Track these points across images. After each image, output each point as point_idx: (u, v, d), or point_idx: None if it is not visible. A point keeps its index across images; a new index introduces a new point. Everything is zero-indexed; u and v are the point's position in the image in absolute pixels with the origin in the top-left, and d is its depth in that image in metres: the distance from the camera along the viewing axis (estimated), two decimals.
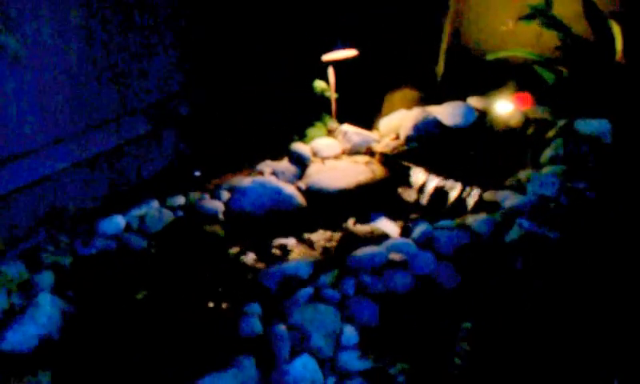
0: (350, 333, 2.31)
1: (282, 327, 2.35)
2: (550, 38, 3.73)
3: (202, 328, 2.55)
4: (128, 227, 3.19)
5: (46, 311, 2.54)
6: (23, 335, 2.44)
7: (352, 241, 2.89)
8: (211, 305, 2.71)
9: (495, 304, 2.26)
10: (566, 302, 2.18)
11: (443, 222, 2.80)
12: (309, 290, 2.53)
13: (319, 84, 3.92)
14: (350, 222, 3.17)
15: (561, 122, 3.28)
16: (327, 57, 3.70)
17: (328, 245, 3.05)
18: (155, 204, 3.36)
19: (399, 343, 2.23)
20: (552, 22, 3.72)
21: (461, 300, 2.39)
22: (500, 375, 2.02)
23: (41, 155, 2.87)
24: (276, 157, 3.70)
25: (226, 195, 3.42)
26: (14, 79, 2.64)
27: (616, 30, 3.60)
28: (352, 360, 2.19)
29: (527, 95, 3.73)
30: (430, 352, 2.17)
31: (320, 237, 3.14)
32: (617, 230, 2.37)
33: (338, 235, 3.11)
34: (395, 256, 2.61)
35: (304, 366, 2.13)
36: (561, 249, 2.35)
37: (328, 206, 3.32)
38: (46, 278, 2.75)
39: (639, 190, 2.54)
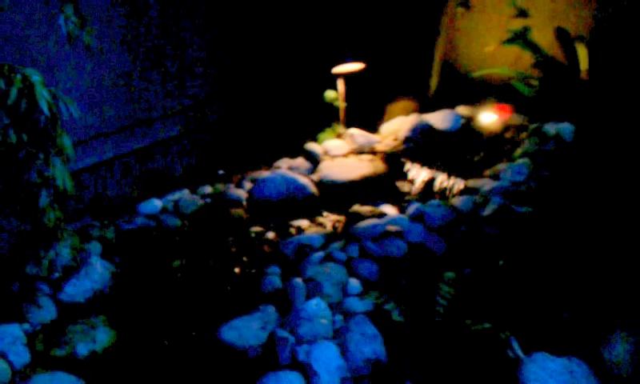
0: (354, 284, 2.62)
1: (299, 280, 2.66)
2: (527, 59, 4.09)
3: (231, 286, 2.86)
4: (164, 209, 3.51)
5: (97, 271, 2.85)
6: (79, 288, 2.75)
7: (357, 218, 3.21)
8: (237, 270, 3.02)
9: (472, 259, 2.58)
10: (527, 256, 2.49)
11: (432, 202, 3.12)
12: (320, 254, 2.85)
13: (330, 94, 4.27)
14: (356, 206, 3.49)
15: (533, 126, 3.62)
16: (337, 70, 4.06)
17: (336, 225, 3.36)
18: (187, 192, 3.68)
19: (395, 291, 2.55)
20: (529, 45, 4.08)
21: (446, 259, 2.71)
22: (474, 309, 2.33)
23: (93, 145, 3.21)
24: (292, 155, 4.03)
25: (248, 185, 3.74)
26: (88, 74, 2.95)
27: (582, 52, 3.95)
28: (356, 303, 2.50)
29: (507, 106, 4.07)
30: (420, 295, 2.48)
31: (330, 219, 3.45)
32: (570, 203, 2.69)
33: (345, 218, 3.42)
34: (392, 228, 2.93)
35: (316, 305, 2.44)
36: (525, 218, 2.68)
37: (337, 195, 3.64)
38: (95, 247, 3.07)
39: (590, 174, 2.86)
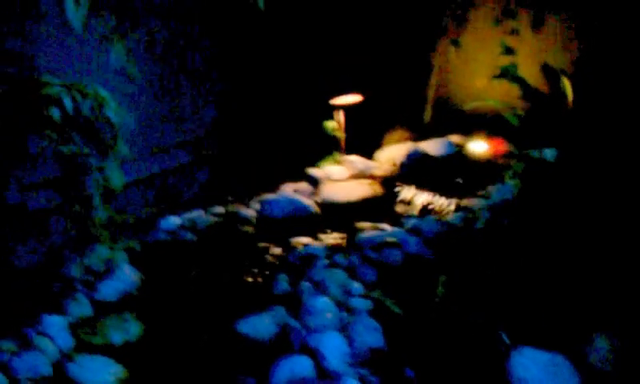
0: (356, 287, 3.05)
1: (307, 283, 3.09)
2: (515, 92, 4.59)
3: (243, 290, 3.28)
4: (181, 226, 3.94)
5: (127, 275, 3.27)
6: (112, 289, 3.16)
7: (358, 231, 3.66)
8: (249, 278, 3.45)
9: (463, 266, 3.02)
10: (514, 263, 2.94)
11: (428, 217, 3.57)
12: (325, 262, 3.28)
13: (330, 124, 4.75)
14: (357, 224, 3.93)
15: (520, 152, 4.10)
16: (337, 101, 4.56)
17: (338, 241, 3.79)
18: (201, 212, 4.12)
19: (393, 291, 2.98)
20: (517, 80, 4.59)
21: (439, 266, 3.15)
22: (466, 307, 2.76)
23: (124, 167, 3.66)
24: (295, 180, 4.49)
25: (256, 206, 4.19)
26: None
27: (567, 84, 4.45)
28: (358, 302, 2.92)
29: (496, 137, 4.57)
30: (416, 294, 2.91)
31: (332, 236, 3.88)
32: (552, 214, 3.15)
33: (346, 234, 3.85)
34: (390, 239, 3.38)
35: (323, 302, 2.86)
36: (509, 229, 3.13)
37: (338, 214, 4.08)
38: (123, 255, 3.49)
39: (569, 188, 3.32)
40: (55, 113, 2.05)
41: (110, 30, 2.67)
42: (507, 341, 2.56)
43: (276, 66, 4.57)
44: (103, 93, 2.21)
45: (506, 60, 4.67)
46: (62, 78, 2.47)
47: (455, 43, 4.96)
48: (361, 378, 2.40)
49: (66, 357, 2.61)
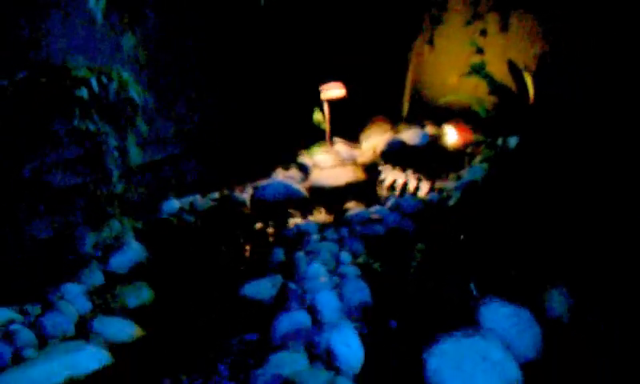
0: (345, 255, 3.29)
1: (301, 253, 3.33)
2: (484, 87, 4.88)
3: (243, 262, 3.51)
4: (181, 208, 4.14)
5: (135, 249, 3.48)
6: (122, 261, 3.36)
7: (345, 211, 3.91)
8: (246, 252, 3.68)
9: (438, 236, 3.29)
10: (478, 231, 3.21)
11: (406, 197, 3.84)
12: (316, 236, 3.53)
13: (317, 116, 5.00)
14: (344, 204, 4.18)
15: (488, 140, 4.39)
16: (323, 95, 4.81)
17: (327, 219, 4.04)
18: (199, 196, 4.34)
19: (378, 258, 3.23)
20: (485, 77, 4.88)
21: (417, 237, 3.41)
22: (440, 267, 3.03)
23: None
24: (285, 168, 4.73)
25: (250, 190, 4.42)
26: None
27: (529, 80, 4.75)
28: (347, 268, 3.16)
29: (467, 127, 4.85)
30: (398, 259, 3.17)
31: (320, 216, 4.13)
32: (512, 190, 3.43)
33: (333, 214, 4.10)
34: (374, 215, 3.64)
35: (317, 269, 3.11)
36: (477, 203, 3.41)
37: (325, 197, 4.33)
38: (130, 232, 3.69)
39: (526, 170, 3.60)
40: (84, 92, 2.26)
41: (122, 21, 2.89)
42: (476, 293, 2.83)
43: (269, 62, 4.80)
44: (126, 75, 2.43)
45: (475, 58, 4.96)
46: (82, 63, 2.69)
47: (430, 43, 5.25)
48: (352, 328, 2.65)
49: (85, 318, 2.82)
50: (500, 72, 4.79)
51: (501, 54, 4.75)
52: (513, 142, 4.29)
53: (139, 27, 3.17)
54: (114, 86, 2.34)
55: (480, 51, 5.02)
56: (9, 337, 2.51)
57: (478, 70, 4.90)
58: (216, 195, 4.36)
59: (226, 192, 4.42)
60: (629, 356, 2.55)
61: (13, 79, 2.49)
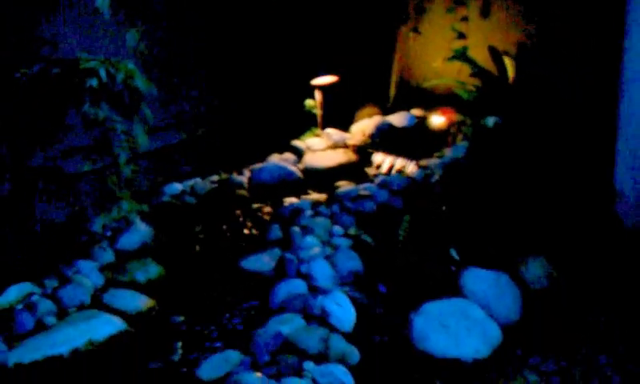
0: (337, 229, 3.49)
1: (296, 228, 3.52)
2: (467, 71, 5.04)
3: (242, 238, 3.70)
4: (183, 191, 4.31)
5: (142, 229, 3.65)
6: (130, 240, 3.54)
7: (336, 189, 4.10)
8: (245, 230, 3.86)
9: (423, 209, 3.49)
10: (460, 204, 3.42)
11: (394, 175, 4.03)
12: (310, 212, 3.72)
13: (309, 102, 5.18)
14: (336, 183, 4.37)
15: (470, 121, 4.58)
16: (314, 82, 4.99)
17: (321, 198, 4.21)
18: (199, 179, 4.50)
19: (368, 230, 3.43)
20: (468, 61, 5.05)
21: (404, 211, 3.61)
22: (424, 238, 3.23)
23: None
24: (280, 152, 4.90)
25: (247, 173, 4.59)
26: None
27: (509, 63, 4.93)
28: (340, 240, 3.36)
29: (451, 109, 5.03)
30: (386, 231, 3.37)
31: (314, 195, 4.31)
32: (492, 167, 3.63)
33: (326, 194, 4.27)
34: (364, 192, 3.83)
35: (312, 241, 3.30)
36: (459, 179, 3.61)
37: (318, 178, 4.51)
38: (136, 214, 3.85)
39: (504, 147, 3.79)
40: (94, 82, 2.44)
41: (126, 17, 3.06)
42: (457, 257, 3.02)
43: (264, 55, 4.97)
44: (131, 66, 2.60)
45: (458, 44, 5.12)
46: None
47: (415, 30, 5.42)
48: (344, 293, 2.85)
49: (99, 290, 3.01)
50: (482, 57, 4.95)
51: (482, 40, 4.91)
52: (491, 121, 4.47)
53: (142, 24, 3.34)
54: (121, 76, 2.51)
55: (462, 37, 5.18)
56: (31, 306, 2.70)
57: (461, 55, 5.06)
58: (215, 178, 4.53)
59: (224, 175, 4.59)
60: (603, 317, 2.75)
61: (26, 71, 2.66)
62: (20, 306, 2.68)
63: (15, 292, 2.76)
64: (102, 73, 2.45)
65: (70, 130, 2.89)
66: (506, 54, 4.92)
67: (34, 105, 2.67)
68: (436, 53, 5.27)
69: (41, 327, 2.64)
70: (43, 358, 2.43)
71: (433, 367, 2.50)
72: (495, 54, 4.94)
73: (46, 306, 2.72)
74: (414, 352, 2.59)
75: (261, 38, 4.91)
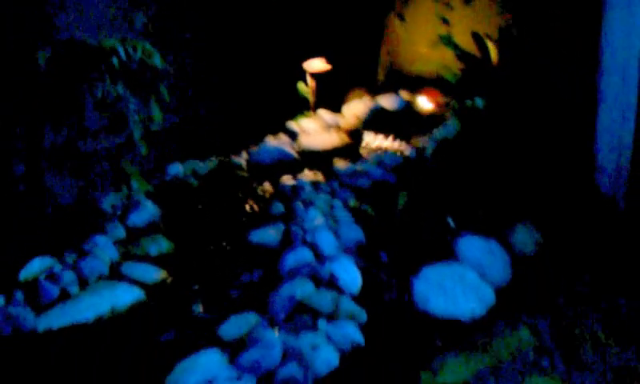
0: (337, 203, 3.63)
1: (299, 203, 3.65)
2: (451, 55, 5.20)
3: (245, 215, 3.81)
4: (185, 172, 4.40)
5: (149, 207, 3.74)
6: (139, 218, 3.62)
7: (333, 168, 4.23)
8: (250, 207, 3.98)
9: (416, 183, 3.64)
10: (453, 177, 3.57)
11: (388, 153, 4.18)
12: (311, 188, 3.86)
13: (302, 86, 5.29)
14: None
15: (456, 102, 4.74)
16: (306, 67, 5.10)
17: (319, 177, 4.33)
18: (199, 161, 4.59)
19: (367, 203, 3.58)
20: (452, 46, 5.20)
21: (399, 186, 3.76)
22: (420, 210, 3.38)
23: None
24: (275, 134, 5.01)
25: (245, 155, 4.69)
26: None
27: (491, 47, 5.09)
28: (341, 212, 3.50)
29: (437, 91, 5.19)
30: (384, 205, 3.52)
31: (312, 174, 4.41)
32: (479, 142, 3.79)
33: (324, 173, 4.38)
34: (360, 169, 3.98)
35: (314, 214, 3.43)
36: (451, 155, 3.77)
37: (314, 159, 4.63)
38: (142, 194, 3.94)
39: (493, 125, 3.96)
40: (114, 60, 2.53)
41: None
42: (453, 225, 3.18)
43: (259, 42, 5.06)
44: (148, 46, 2.69)
45: (443, 29, 5.27)
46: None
47: (401, 17, 5.56)
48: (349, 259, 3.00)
49: (116, 263, 3.11)
50: (465, 41, 5.11)
51: (466, 25, 5.07)
52: (478, 102, 4.64)
53: (149, 7, 3.42)
54: (139, 54, 2.60)
55: (446, 23, 5.32)
56: (54, 277, 2.79)
57: (446, 40, 5.22)
58: (215, 160, 4.63)
59: (223, 157, 4.69)
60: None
61: (44, 54, 2.74)
62: (43, 277, 2.77)
63: (38, 264, 2.85)
64: (121, 51, 2.54)
65: (84, 109, 2.97)
66: (489, 38, 5.08)
67: (51, 85, 2.74)
68: (421, 38, 5.43)
69: (65, 296, 2.73)
70: (70, 324, 2.54)
71: (433, 326, 2.66)
72: (478, 39, 5.10)
73: (68, 276, 2.82)
74: (416, 312, 2.74)
75: (254, 23, 5.01)
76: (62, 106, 2.86)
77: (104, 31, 3.15)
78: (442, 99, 5.09)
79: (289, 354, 2.27)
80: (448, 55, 5.23)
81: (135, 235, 3.49)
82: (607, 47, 3.21)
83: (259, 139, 4.92)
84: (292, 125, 5.04)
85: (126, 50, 2.58)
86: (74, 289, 2.77)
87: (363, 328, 2.56)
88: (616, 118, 3.15)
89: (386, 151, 4.51)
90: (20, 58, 2.72)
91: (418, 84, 5.29)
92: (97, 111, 2.85)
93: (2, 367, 2.32)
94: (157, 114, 2.71)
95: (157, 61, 2.61)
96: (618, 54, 3.07)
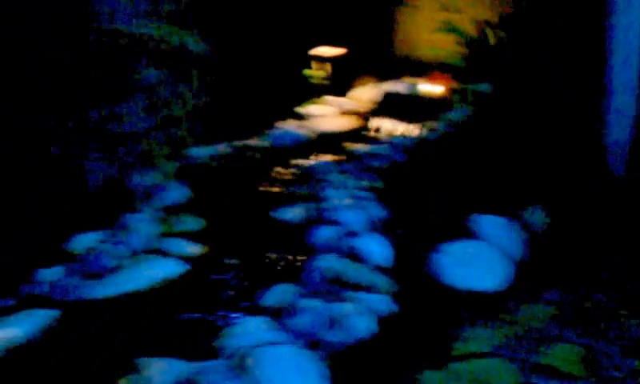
0: (358, 184, 3.76)
1: (320, 183, 3.79)
2: (458, 41, 5.31)
3: (271, 195, 3.93)
4: (206, 156, 4.50)
5: (179, 187, 3.84)
6: (171, 197, 3.71)
7: (349, 150, 4.37)
8: (272, 188, 4.10)
9: (431, 163, 3.79)
10: (467, 158, 3.72)
11: (401, 136, 4.32)
12: (331, 169, 3.99)
13: (311, 72, 5.40)
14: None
15: (462, 87, 4.88)
16: (316, 52, 5.21)
17: (335, 158, 4.45)
18: (218, 145, 4.67)
19: (384, 183, 3.72)
20: (456, 31, 5.32)
21: (415, 167, 3.91)
22: (436, 189, 3.53)
23: None
24: (288, 118, 5.12)
25: (262, 139, 4.78)
26: None
27: (489, 33, 5.19)
28: (361, 192, 3.64)
29: (444, 75, 5.33)
30: (401, 185, 3.66)
31: (328, 156, 4.52)
32: (488, 125, 3.94)
33: (340, 155, 4.50)
34: (376, 151, 4.12)
35: (337, 193, 3.57)
36: (465, 136, 3.92)
37: (327, 141, 4.75)
38: (170, 175, 4.03)
39: (501, 108, 4.11)
40: (151, 45, 2.62)
41: None
42: (472, 204, 3.32)
43: (268, 24, 5.15)
44: (182, 31, 2.78)
45: (448, 17, 5.38)
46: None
47: (407, 5, 5.68)
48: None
49: (155, 238, 3.23)
50: (469, 27, 5.24)
51: (470, 12, 5.18)
52: (483, 87, 4.78)
53: None
54: (176, 39, 2.69)
55: (449, 9, 5.43)
56: (103, 251, 2.92)
57: (451, 27, 5.34)
58: (233, 144, 4.73)
59: (240, 141, 4.79)
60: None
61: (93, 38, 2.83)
62: (93, 250, 2.89)
63: (86, 239, 2.97)
64: (160, 37, 2.63)
65: (122, 92, 3.07)
66: (492, 24, 5.21)
67: (92, 69, 2.84)
68: (427, 25, 5.55)
69: (116, 267, 2.85)
70: (124, 292, 2.67)
71: (458, 298, 2.81)
72: (482, 25, 5.23)
73: (116, 249, 2.94)
74: (440, 285, 2.89)
75: (267, 10, 5.09)
76: (100, 90, 2.96)
77: (139, 18, 3.24)
78: (448, 84, 5.22)
79: (332, 320, 2.41)
80: (454, 42, 5.36)
81: (168, 213, 3.60)
82: (615, 34, 3.34)
83: (274, 123, 5.02)
84: (305, 109, 5.16)
85: (163, 36, 2.67)
86: (123, 261, 2.89)
87: (394, 298, 2.71)
88: (628, 99, 3.30)
89: (397, 134, 4.65)
90: (62, 44, 2.80)
91: (424, 70, 5.42)
92: (133, 94, 2.94)
93: (70, 333, 2.45)
94: (189, 96, 2.81)
95: (192, 45, 2.70)
96: (630, 34, 3.19)
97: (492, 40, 5.10)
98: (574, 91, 3.85)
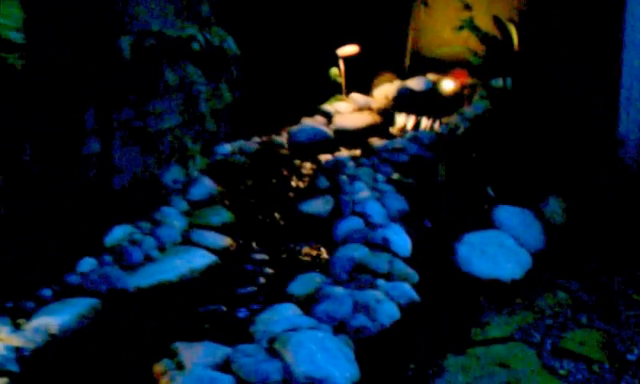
0: (380, 177, 3.84)
1: (343, 176, 3.86)
2: (474, 39, 5.36)
3: (295, 189, 4.03)
4: (232, 151, 4.62)
5: (206, 182, 3.96)
6: (199, 192, 3.80)
7: (370, 145, 4.44)
8: (296, 182, 4.19)
9: (453, 157, 3.85)
10: (486, 152, 3.77)
11: (421, 131, 4.38)
12: (352, 164, 4.06)
13: (334, 70, 5.48)
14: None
15: (481, 83, 4.92)
16: (338, 52, 5.28)
17: (357, 153, 4.53)
18: (244, 141, 4.80)
19: (407, 176, 3.79)
20: (475, 29, 5.36)
21: (436, 160, 3.97)
22: (459, 181, 3.58)
23: None
24: (311, 115, 5.21)
25: (285, 135, 4.90)
26: None
27: (512, 30, 5.23)
28: (384, 185, 3.71)
29: (461, 72, 5.36)
30: (423, 178, 3.72)
31: (350, 151, 4.62)
32: (508, 119, 3.98)
33: (361, 149, 4.58)
34: (397, 146, 4.18)
35: (360, 186, 3.64)
36: (484, 132, 3.96)
37: (348, 137, 4.84)
38: (198, 170, 4.14)
39: (517, 103, 4.14)
40: (196, 45, 2.73)
41: None
42: (492, 194, 3.38)
43: (292, 24, 5.24)
44: (221, 32, 2.89)
45: (465, 14, 5.41)
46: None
47: (425, 4, 5.72)
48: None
49: (185, 231, 3.34)
50: (487, 25, 5.26)
51: (487, 9, 5.21)
52: (501, 83, 4.81)
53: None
54: (217, 39, 2.80)
55: (468, 8, 5.46)
56: (135, 242, 3.03)
57: (468, 24, 5.37)
58: (258, 140, 4.83)
59: (265, 137, 4.90)
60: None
61: (127, 39, 2.94)
62: (127, 243, 3.01)
63: (119, 232, 3.09)
64: (200, 38, 2.73)
65: (157, 91, 3.18)
66: (510, 21, 5.23)
67: (129, 69, 2.95)
68: (445, 23, 5.58)
69: (148, 259, 2.97)
70: (157, 282, 2.78)
71: (477, 285, 2.87)
72: (499, 22, 5.24)
73: (148, 242, 3.06)
74: (460, 273, 2.96)
75: (291, 11, 5.18)
76: (137, 89, 3.07)
77: (174, 19, 3.35)
78: (466, 80, 5.26)
79: (357, 307, 2.50)
80: (471, 39, 5.39)
81: (197, 207, 3.72)
82: (630, 31, 3.37)
83: (296, 120, 5.12)
84: (327, 107, 5.24)
85: (204, 37, 2.77)
86: (155, 253, 3.01)
87: (416, 286, 2.78)
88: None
89: (418, 129, 4.71)
90: (101, 45, 2.92)
91: (443, 66, 5.46)
92: (170, 92, 3.05)
93: (109, 320, 2.57)
94: (227, 94, 2.91)
95: (231, 44, 2.80)
96: None
97: (509, 36, 5.12)
98: (589, 86, 3.87)
